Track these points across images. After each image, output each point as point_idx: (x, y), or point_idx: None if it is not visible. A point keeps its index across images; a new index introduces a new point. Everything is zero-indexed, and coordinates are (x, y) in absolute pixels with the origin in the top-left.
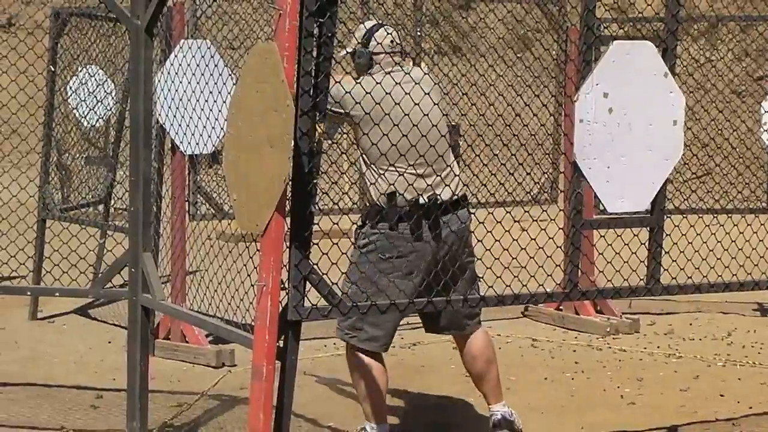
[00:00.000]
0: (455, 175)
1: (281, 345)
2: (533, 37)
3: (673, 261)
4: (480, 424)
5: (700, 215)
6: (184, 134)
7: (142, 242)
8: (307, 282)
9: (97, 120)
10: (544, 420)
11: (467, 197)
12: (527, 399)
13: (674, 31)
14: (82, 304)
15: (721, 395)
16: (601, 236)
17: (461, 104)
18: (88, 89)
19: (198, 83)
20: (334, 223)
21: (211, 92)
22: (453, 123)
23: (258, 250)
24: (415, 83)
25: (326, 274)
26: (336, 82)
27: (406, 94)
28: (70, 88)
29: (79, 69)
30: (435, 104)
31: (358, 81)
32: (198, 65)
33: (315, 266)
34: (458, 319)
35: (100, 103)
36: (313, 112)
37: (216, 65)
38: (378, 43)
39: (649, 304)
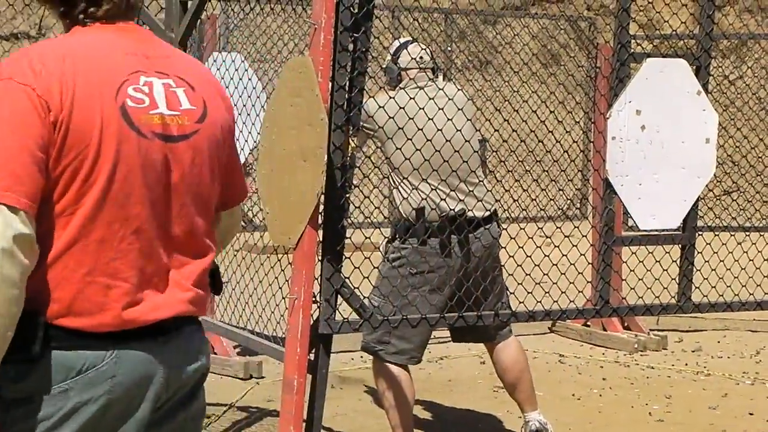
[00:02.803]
0: (486, 191)
1: (312, 358)
2: (563, 53)
3: (704, 278)
4: None
5: (732, 233)
6: None
7: None
8: (339, 295)
9: None
10: None
11: (497, 212)
12: (555, 415)
13: (708, 49)
14: None
15: (750, 413)
16: (632, 253)
17: (492, 120)
18: None
19: (230, 96)
20: (366, 237)
21: (243, 105)
22: (480, 138)
23: (289, 263)
24: (448, 98)
25: (358, 287)
26: (370, 97)
27: (439, 109)
28: None
29: None
30: (468, 120)
31: (392, 96)
32: (232, 78)
33: (347, 280)
34: (487, 330)
35: None
36: (347, 126)
37: (250, 78)
38: (411, 59)
39: (677, 321)
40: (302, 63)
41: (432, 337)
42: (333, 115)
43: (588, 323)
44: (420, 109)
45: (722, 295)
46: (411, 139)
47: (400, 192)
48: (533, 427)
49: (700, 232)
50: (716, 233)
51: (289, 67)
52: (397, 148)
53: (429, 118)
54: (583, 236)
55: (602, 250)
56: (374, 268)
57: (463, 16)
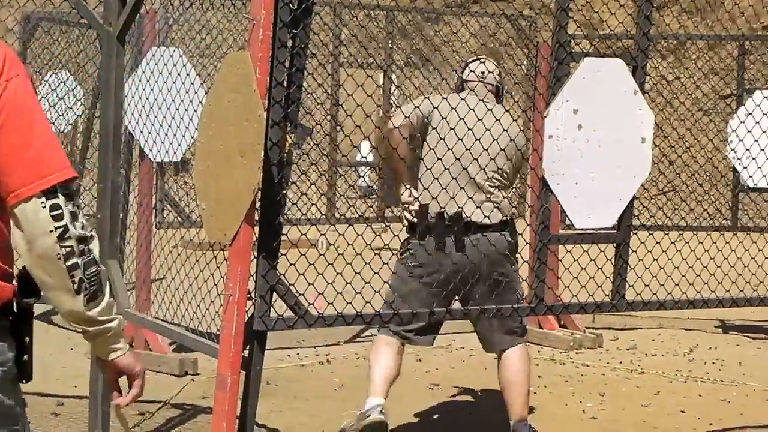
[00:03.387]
0: (495, 202)
1: (246, 355)
2: (504, 51)
3: (638, 277)
4: None
5: (666, 232)
6: (153, 142)
7: (108, 250)
8: (274, 292)
9: (66, 126)
10: None
11: (508, 224)
12: (490, 412)
13: (645, 49)
14: (45, 311)
15: (682, 411)
16: (567, 251)
17: None
18: (57, 95)
19: (168, 91)
20: (302, 234)
21: (181, 100)
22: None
23: (225, 259)
24: (489, 115)
25: (293, 284)
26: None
27: (481, 120)
28: (39, 93)
29: (49, 74)
30: (493, 138)
31: (444, 97)
32: (169, 73)
33: (282, 276)
34: (492, 335)
35: (69, 109)
36: (284, 122)
37: (188, 74)
38: (471, 72)
39: (612, 319)
40: (240, 59)
41: (369, 334)
42: (271, 112)
43: None
44: (452, 109)
45: (656, 294)
46: (442, 139)
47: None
48: None
49: (635, 231)
50: (650, 232)
51: (227, 62)
52: (431, 149)
53: (459, 122)
54: (518, 234)
55: (538, 248)
56: (310, 264)
57: (405, 13)
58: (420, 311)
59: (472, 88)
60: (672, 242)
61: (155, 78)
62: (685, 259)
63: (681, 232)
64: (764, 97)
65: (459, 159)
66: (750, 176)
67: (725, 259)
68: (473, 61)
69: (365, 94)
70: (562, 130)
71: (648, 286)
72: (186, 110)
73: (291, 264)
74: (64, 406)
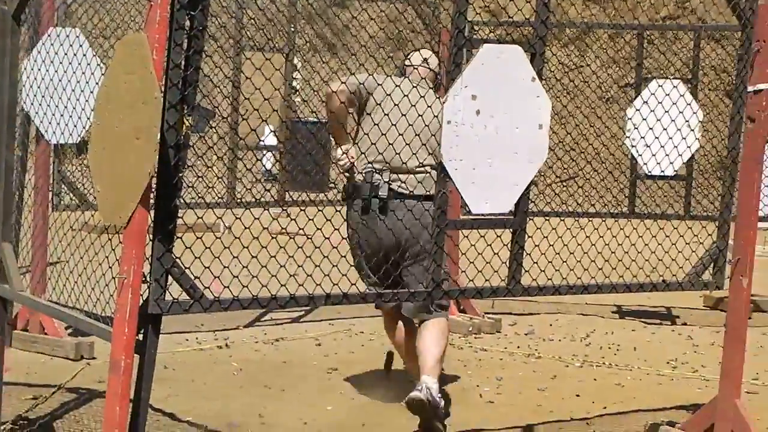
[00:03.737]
0: (428, 175)
1: (141, 338)
2: (407, 37)
3: (534, 263)
4: (342, 421)
5: (562, 218)
6: (50, 123)
7: (2, 232)
8: (169, 276)
9: None
10: (404, 417)
11: (431, 197)
12: (386, 397)
13: (543, 37)
14: None
15: (577, 395)
16: (464, 236)
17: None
18: None
19: (65, 72)
20: (198, 217)
21: (78, 82)
22: (324, 120)
23: (121, 242)
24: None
25: (188, 268)
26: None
27: (423, 98)
28: None
29: None
30: (431, 118)
31: (389, 75)
32: (66, 54)
33: (178, 260)
34: (412, 305)
35: None
36: (181, 105)
37: (84, 54)
38: (411, 59)
39: (511, 304)
40: (137, 40)
41: (268, 318)
42: (167, 94)
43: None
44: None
45: (551, 279)
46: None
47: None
48: (421, 386)
49: (531, 217)
50: (547, 218)
51: (124, 43)
52: (371, 119)
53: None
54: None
55: (435, 233)
56: (206, 248)
57: None
58: (316, 294)
59: (415, 71)
60: (567, 228)
61: (52, 59)
62: (580, 245)
63: (577, 218)
64: (659, 86)
65: (399, 131)
66: (645, 164)
67: (619, 245)
68: (416, 49)
69: (265, 78)
70: (460, 116)
71: (544, 271)
72: (82, 92)
73: (186, 247)
74: None
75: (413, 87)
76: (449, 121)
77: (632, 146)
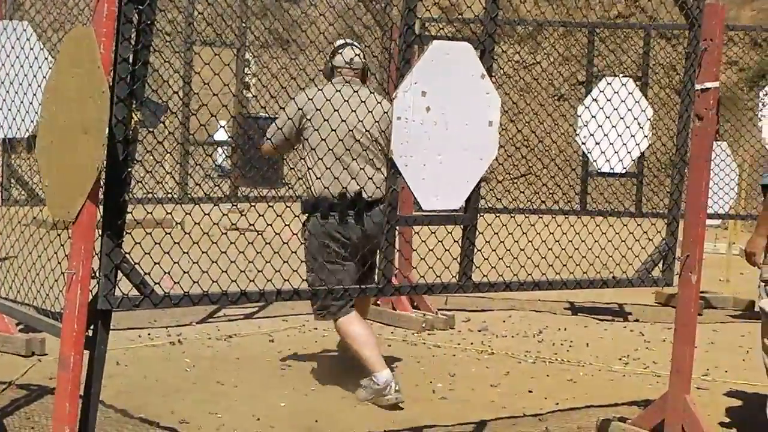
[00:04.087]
0: (381, 177)
1: (91, 335)
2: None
3: (485, 259)
4: (295, 416)
5: (513, 215)
6: None
7: None
8: (119, 271)
9: None
10: (356, 413)
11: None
12: (341, 393)
13: (492, 34)
14: None
15: (530, 391)
16: (415, 233)
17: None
18: None
19: (13, 66)
20: (148, 212)
21: (26, 75)
22: (275, 116)
23: (70, 237)
24: (362, 99)
25: (138, 263)
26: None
27: (354, 109)
28: None
29: None
30: (376, 120)
31: (320, 89)
32: (14, 47)
33: (127, 255)
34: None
35: None
36: (130, 99)
37: (32, 48)
38: (344, 61)
39: (465, 301)
40: (84, 33)
41: (222, 314)
42: (116, 88)
43: (378, 302)
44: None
45: (502, 275)
46: (319, 128)
47: (310, 172)
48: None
49: (482, 214)
50: (497, 215)
51: (71, 37)
52: (315, 130)
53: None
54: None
55: (386, 229)
56: (156, 243)
57: None
58: (267, 291)
59: (341, 73)
60: (518, 225)
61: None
62: (531, 242)
63: (527, 215)
64: (608, 84)
65: (343, 140)
66: (595, 161)
67: (570, 242)
68: (340, 46)
69: (214, 73)
70: (410, 112)
71: (495, 268)
72: (30, 86)
73: (136, 243)
74: None
75: (354, 92)
76: (399, 117)
77: (583, 143)
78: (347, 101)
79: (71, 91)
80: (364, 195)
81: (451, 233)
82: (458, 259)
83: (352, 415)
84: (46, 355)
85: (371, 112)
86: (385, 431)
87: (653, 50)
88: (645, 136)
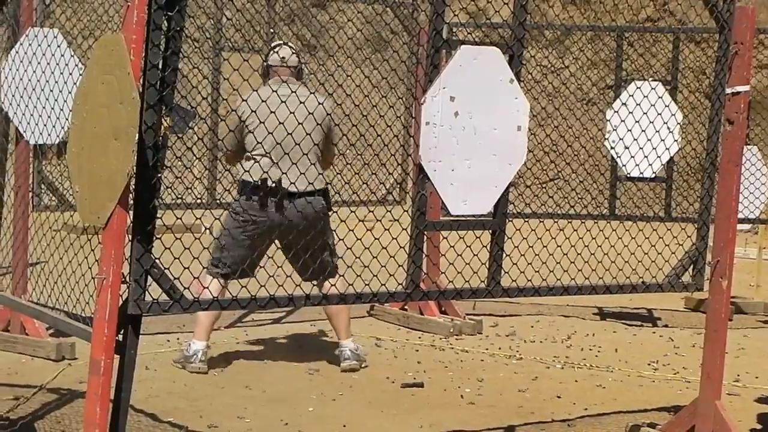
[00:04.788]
0: (311, 172)
1: (121, 339)
2: (387, 38)
3: (513, 264)
4: (323, 421)
5: (542, 220)
6: (29, 123)
7: None
8: (149, 276)
9: None
10: (384, 418)
11: (325, 191)
12: (369, 397)
13: (521, 38)
14: None
15: (558, 396)
16: (443, 238)
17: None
18: None
19: (44, 72)
20: (177, 218)
21: (57, 82)
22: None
23: (100, 242)
24: (291, 97)
25: (168, 268)
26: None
27: (283, 102)
28: None
29: None
30: (309, 114)
31: (255, 90)
32: (44, 54)
33: (157, 260)
34: (313, 272)
35: None
36: (159, 105)
37: (63, 54)
38: (280, 59)
39: (493, 306)
40: (114, 40)
41: (250, 319)
42: (146, 94)
43: (405, 307)
44: (263, 101)
45: (531, 281)
46: (251, 123)
47: (243, 161)
48: (344, 352)
49: (511, 219)
50: (526, 219)
51: (101, 44)
52: (250, 131)
53: (271, 111)
54: (395, 220)
55: (414, 234)
56: (185, 248)
57: None
58: (296, 295)
59: (276, 72)
60: (547, 230)
61: (30, 59)
62: (560, 246)
63: (556, 220)
64: (637, 88)
65: (273, 136)
66: (624, 165)
67: (599, 247)
68: (276, 46)
69: (243, 79)
70: (438, 117)
71: (524, 273)
72: (61, 92)
73: (166, 248)
74: None
75: (283, 83)
76: (428, 122)
77: (612, 148)
78: (283, 101)
79: (101, 98)
80: (284, 182)
81: (479, 238)
82: (487, 264)
83: (380, 419)
84: (77, 359)
85: (308, 108)
86: None
87: (682, 54)
88: (675, 140)
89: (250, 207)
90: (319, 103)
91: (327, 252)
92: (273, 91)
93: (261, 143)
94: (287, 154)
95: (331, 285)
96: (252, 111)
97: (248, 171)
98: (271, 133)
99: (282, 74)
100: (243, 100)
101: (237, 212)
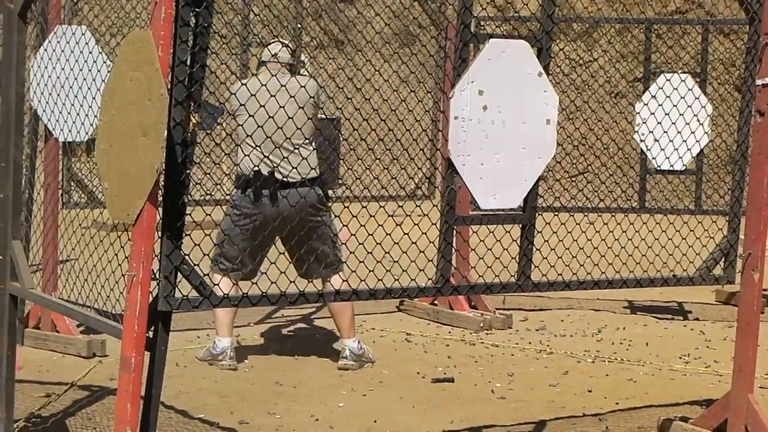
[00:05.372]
0: (304, 162)
1: (151, 335)
2: (414, 32)
3: (543, 258)
4: (353, 417)
5: (572, 214)
6: (57, 120)
7: (11, 230)
8: (179, 273)
9: None
10: (415, 413)
11: (317, 180)
12: (399, 393)
13: (549, 31)
14: None
15: (589, 391)
16: (474, 232)
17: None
18: None
19: (72, 70)
20: (207, 214)
21: (85, 79)
22: (332, 116)
23: (130, 239)
24: (285, 85)
25: (197, 265)
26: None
27: (272, 96)
28: None
29: None
30: (300, 107)
31: (244, 83)
32: (72, 51)
33: (187, 257)
34: (312, 268)
35: None
36: (188, 102)
37: (91, 52)
38: (270, 54)
39: (523, 300)
40: (142, 37)
41: (280, 315)
42: (174, 91)
43: (435, 302)
44: (252, 95)
45: (561, 275)
46: (241, 115)
47: (237, 153)
48: (344, 351)
49: (540, 213)
50: (556, 213)
51: (129, 41)
52: (238, 124)
53: (262, 105)
54: (425, 215)
55: (443, 229)
56: (215, 245)
57: None
58: (326, 291)
59: (268, 68)
60: (577, 224)
61: (59, 56)
62: (590, 240)
63: (586, 213)
64: (667, 80)
65: (262, 127)
66: (654, 158)
67: (629, 240)
68: (270, 43)
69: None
70: (467, 111)
71: (554, 267)
72: (89, 89)
73: (195, 244)
74: None
75: (272, 77)
76: (456, 116)
77: (641, 141)
78: (265, 87)
79: (130, 94)
80: (278, 176)
81: (509, 232)
82: (516, 259)
83: (411, 415)
84: (107, 356)
85: (290, 92)
86: (444, 431)
87: (712, 46)
88: (705, 132)
89: (243, 200)
90: (302, 86)
91: (327, 245)
92: (259, 81)
93: (250, 135)
94: (270, 138)
95: (343, 281)
96: (241, 105)
97: (238, 164)
98: (261, 126)
99: (272, 69)
100: (232, 94)
101: (234, 206)
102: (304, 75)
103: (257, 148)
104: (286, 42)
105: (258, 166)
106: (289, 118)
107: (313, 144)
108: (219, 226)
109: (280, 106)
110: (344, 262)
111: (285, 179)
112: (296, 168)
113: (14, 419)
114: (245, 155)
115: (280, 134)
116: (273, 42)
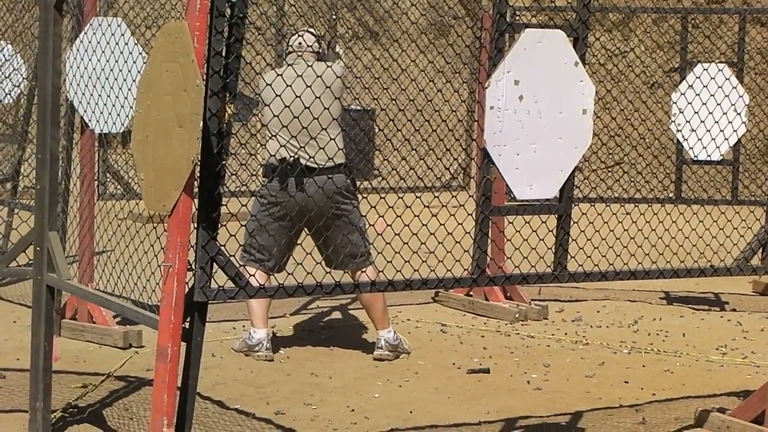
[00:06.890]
0: (326, 145)
1: (187, 326)
2: (448, 23)
3: (580, 248)
4: (389, 408)
5: (608, 204)
6: (93, 112)
7: (48, 221)
8: (214, 263)
9: (5, 96)
10: (450, 404)
11: (344, 165)
12: (435, 383)
13: (585, 21)
14: None
15: (626, 382)
16: (509, 223)
17: (376, 89)
18: None
19: (108, 61)
20: (242, 205)
21: (121, 71)
22: (367, 107)
23: (165, 230)
24: (300, 75)
25: (233, 255)
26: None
27: (291, 83)
28: None
29: None
30: (325, 91)
31: (274, 69)
32: (108, 43)
33: (222, 247)
34: (343, 260)
35: (7, 80)
36: (223, 92)
37: (127, 43)
38: (291, 44)
39: (558, 291)
40: (178, 28)
41: (315, 306)
42: (209, 82)
43: (470, 293)
44: (268, 85)
45: (597, 265)
46: (269, 103)
47: (264, 142)
48: (379, 342)
49: (576, 203)
50: (592, 203)
51: (165, 32)
52: (267, 107)
53: (289, 86)
54: (461, 205)
55: (479, 219)
56: (248, 234)
57: None
58: (362, 282)
59: (293, 59)
60: (614, 214)
61: (95, 48)
62: (627, 230)
63: (623, 204)
64: (704, 70)
65: (277, 116)
66: (691, 148)
67: (666, 230)
68: (294, 34)
69: (306, 65)
70: (503, 102)
71: (590, 257)
72: (125, 81)
73: (231, 235)
74: (6, 379)
75: (289, 66)
76: (492, 106)
77: (678, 131)
78: (281, 77)
79: (166, 85)
80: (302, 161)
81: (545, 223)
82: (553, 249)
83: (446, 406)
84: (144, 347)
85: (316, 72)
86: (480, 422)
87: (749, 35)
88: (742, 122)
89: (271, 188)
90: (328, 66)
91: (356, 234)
92: (288, 64)
93: (265, 126)
94: (286, 127)
95: (378, 272)
96: (267, 84)
97: (268, 150)
98: (287, 106)
99: (290, 59)
100: (267, 83)
101: (262, 195)
102: (325, 63)
103: (277, 135)
104: (310, 30)
105: (279, 153)
106: (306, 107)
107: (336, 130)
108: (251, 215)
109: (296, 96)
110: (374, 254)
111: (308, 164)
112: (320, 152)
113: (51, 409)
114: (267, 142)
115: (298, 122)
116: (303, 31)
